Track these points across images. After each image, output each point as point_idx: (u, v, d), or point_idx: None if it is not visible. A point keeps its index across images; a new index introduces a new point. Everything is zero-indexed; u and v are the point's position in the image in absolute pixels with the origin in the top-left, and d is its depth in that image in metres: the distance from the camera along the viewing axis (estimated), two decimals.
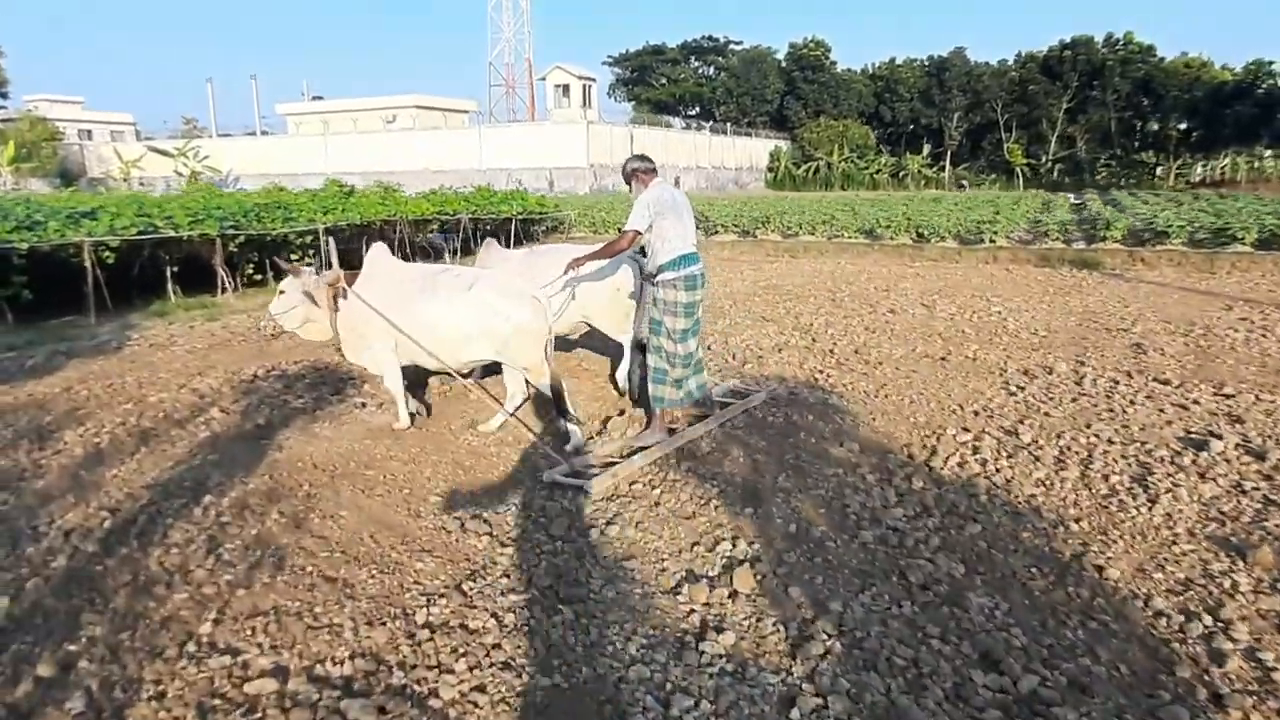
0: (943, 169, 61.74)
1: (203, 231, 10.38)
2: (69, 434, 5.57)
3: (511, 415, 5.43)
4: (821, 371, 7.05)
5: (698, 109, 70.34)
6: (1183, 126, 55.21)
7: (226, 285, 11.23)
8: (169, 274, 10.65)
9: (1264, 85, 44.36)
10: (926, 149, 61.89)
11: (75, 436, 5.52)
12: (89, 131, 59.24)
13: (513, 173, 44.94)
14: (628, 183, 5.09)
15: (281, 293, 5.49)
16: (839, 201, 24.05)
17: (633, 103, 72.24)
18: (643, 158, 5.09)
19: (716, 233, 18.59)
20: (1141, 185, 49.44)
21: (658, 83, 72.57)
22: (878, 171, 60.23)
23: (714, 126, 58.94)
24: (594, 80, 49.93)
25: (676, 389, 5.15)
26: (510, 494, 4.48)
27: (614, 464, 4.77)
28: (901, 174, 59.95)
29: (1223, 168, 55.42)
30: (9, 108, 53.12)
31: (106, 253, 9.49)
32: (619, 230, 5.15)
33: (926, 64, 63.74)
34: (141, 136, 58.69)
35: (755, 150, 62.38)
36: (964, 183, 55.12)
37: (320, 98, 56.02)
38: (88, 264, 9.23)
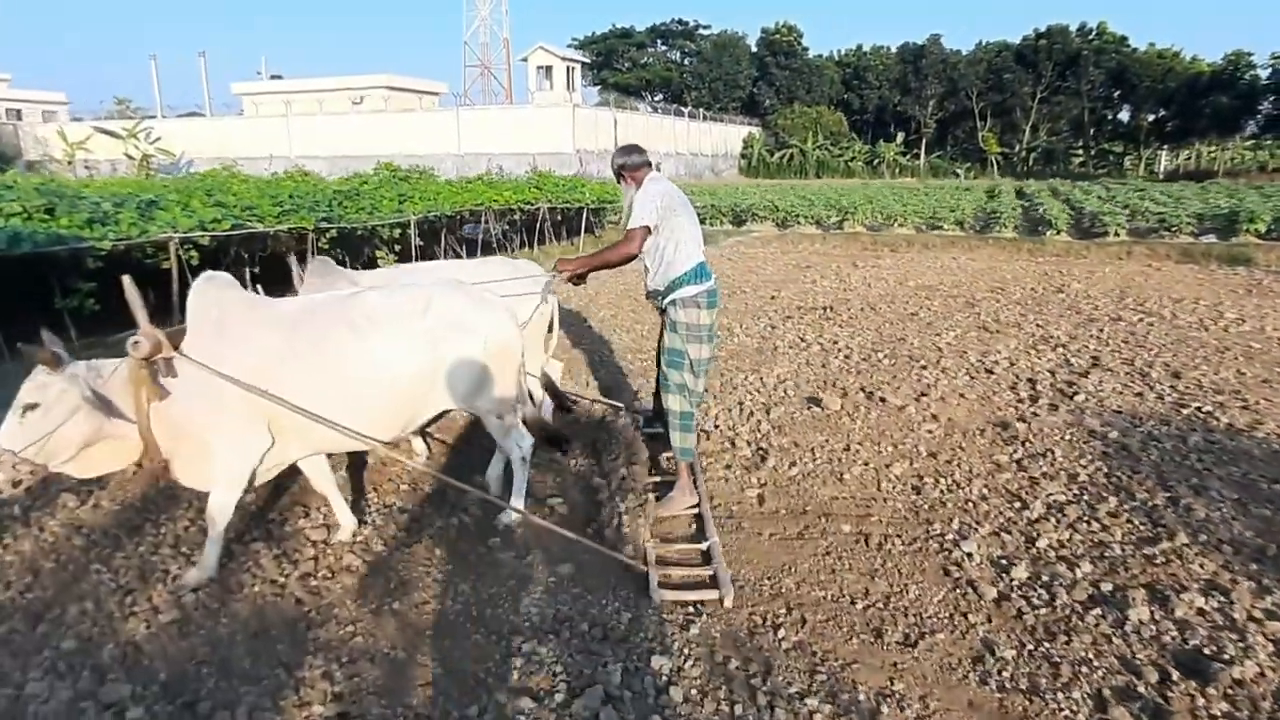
0: (916, 156, 61.43)
1: (296, 225, 8.49)
2: (309, 530, 3.83)
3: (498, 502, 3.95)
4: (1182, 405, 5.66)
5: (662, 95, 68.65)
6: (1152, 117, 55.75)
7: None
8: (249, 275, 8.71)
9: (1245, 76, 44.74)
10: (900, 136, 61.46)
11: (316, 539, 3.78)
12: (18, 111, 54.64)
13: (493, 158, 42.90)
14: (617, 179, 4.09)
15: (29, 408, 2.92)
16: (929, 191, 22.91)
17: (598, 87, 70.21)
18: (631, 150, 4.03)
19: (790, 224, 17.10)
20: (1111, 176, 49.69)
21: (624, 67, 70.62)
22: (852, 159, 59.62)
23: (690, 112, 57.45)
24: (579, 62, 47.90)
25: (695, 432, 4.26)
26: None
27: (697, 550, 3.64)
28: (876, 162, 59.46)
29: (1188, 156, 56.05)
30: None
31: (191, 252, 7.56)
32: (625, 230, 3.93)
33: (898, 51, 63.29)
34: (72, 117, 54.32)
35: (730, 137, 61.10)
36: (958, 171, 54.75)
37: (279, 76, 52.40)
38: (173, 265, 7.30)
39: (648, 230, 3.81)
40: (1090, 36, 56.39)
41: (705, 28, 70.33)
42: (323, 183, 11.76)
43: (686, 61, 70.13)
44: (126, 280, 2.97)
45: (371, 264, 10.48)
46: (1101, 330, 8.09)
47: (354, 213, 9.61)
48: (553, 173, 16.81)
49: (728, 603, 3.19)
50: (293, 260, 4.41)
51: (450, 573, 3.46)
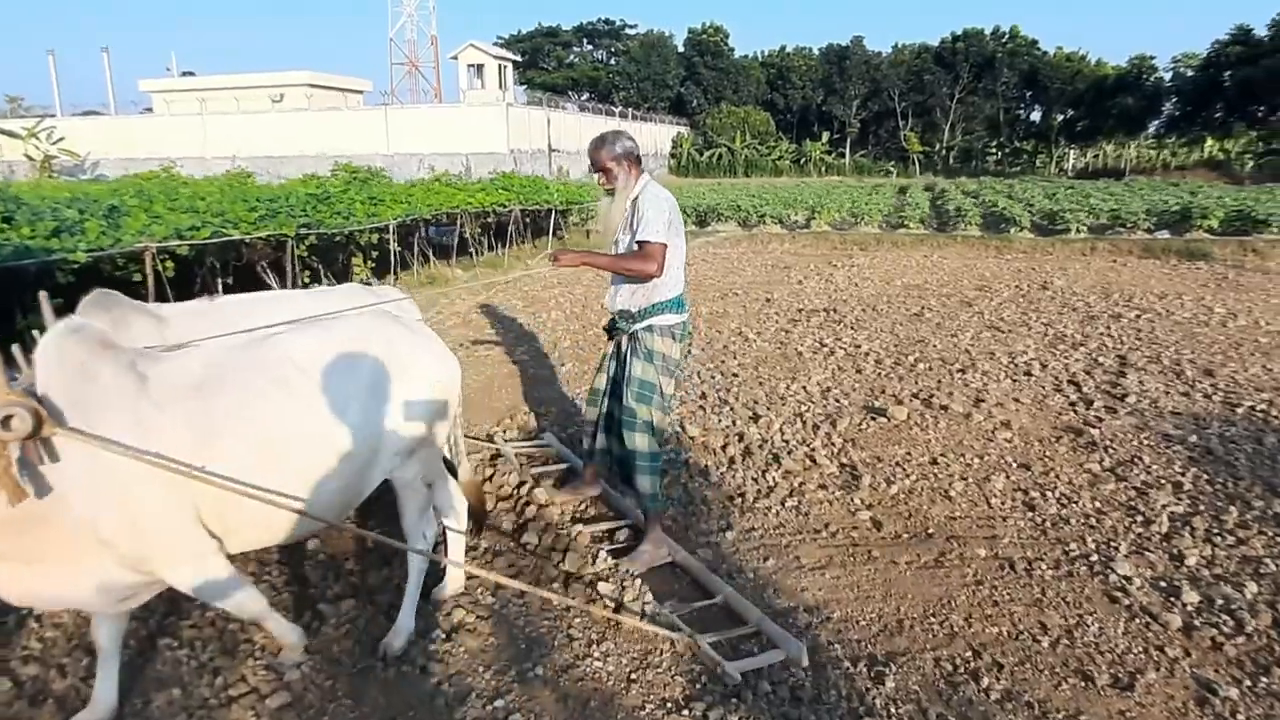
0: (842, 155, 62.67)
1: (276, 232, 7.85)
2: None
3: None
4: (1232, 404, 5.65)
5: (589, 94, 68.22)
6: (1061, 117, 58.17)
7: None
8: (222, 288, 8.03)
9: (1149, 78, 47.04)
10: (825, 136, 62.56)
11: None
12: None
13: (424, 158, 41.94)
14: (602, 169, 3.47)
15: None
16: (877, 189, 23.22)
17: (524, 86, 69.30)
18: (629, 135, 3.54)
19: (753, 224, 16.99)
20: (1024, 173, 51.63)
21: (550, 66, 69.89)
22: (779, 158, 60.45)
23: (620, 112, 57.23)
24: (511, 61, 47.08)
25: (663, 476, 3.77)
26: None
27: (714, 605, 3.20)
28: (803, 160, 60.43)
29: (1095, 155, 58.63)
30: None
31: (167, 262, 6.87)
32: (637, 243, 3.40)
33: (823, 52, 64.43)
34: None
35: (659, 136, 61.14)
36: (890, 169, 56.04)
37: (191, 73, 49.89)
38: (149, 278, 6.60)
39: (665, 248, 3.34)
40: (1004, 40, 58.52)
41: (631, 27, 70.31)
42: (292, 187, 10.96)
43: (613, 61, 69.88)
44: None
45: (345, 274, 9.84)
46: (1109, 328, 8.13)
47: (329, 217, 8.96)
48: (516, 172, 16.27)
49: (804, 660, 2.80)
50: (43, 298, 2.66)
51: (584, 628, 3.06)
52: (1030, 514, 4.01)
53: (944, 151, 60.27)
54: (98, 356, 2.24)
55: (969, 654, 2.91)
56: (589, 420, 3.89)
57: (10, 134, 37.07)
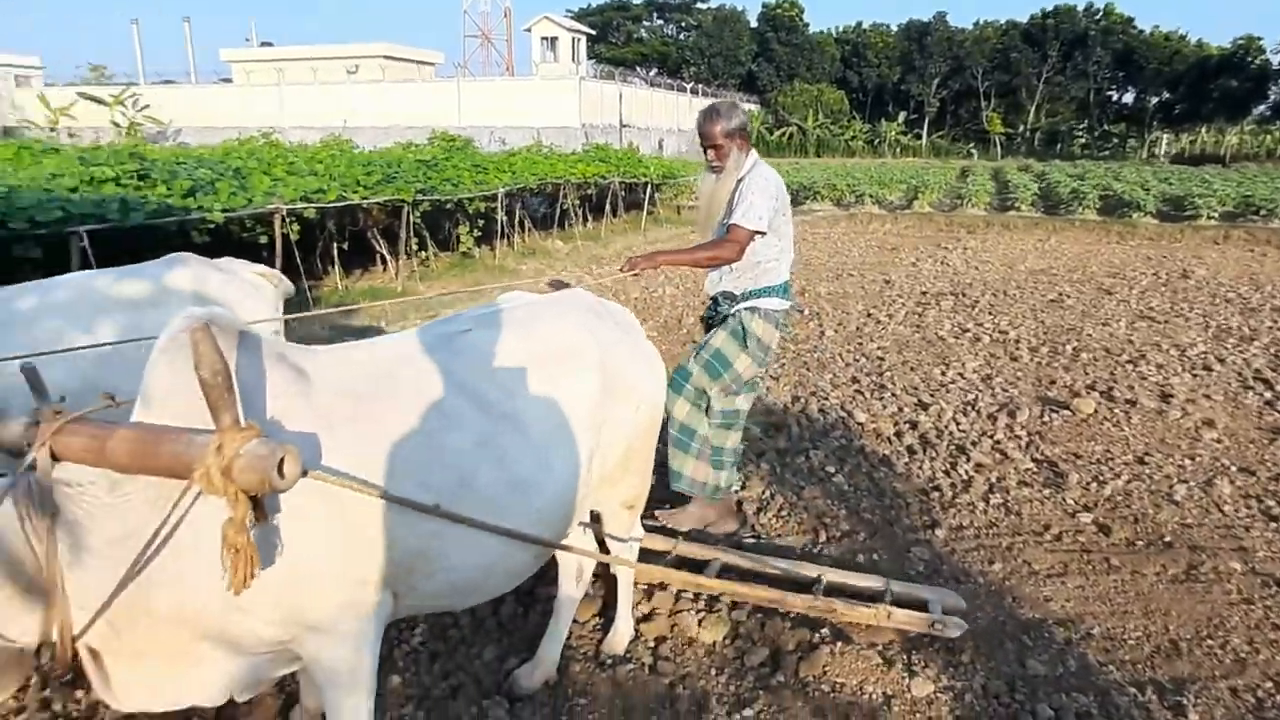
0: (918, 136, 60.89)
1: (393, 197, 7.70)
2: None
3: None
4: None
5: (658, 70, 67.44)
6: (1156, 100, 55.51)
7: (389, 263, 8.60)
8: (338, 254, 7.93)
9: (1255, 60, 44.48)
10: (901, 116, 60.80)
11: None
12: None
13: (496, 131, 41.95)
14: (714, 145, 3.08)
15: None
16: (979, 171, 22.34)
17: (594, 60, 68.89)
18: (740, 109, 3.15)
19: (849, 204, 16.43)
20: (1114, 158, 49.40)
21: (619, 40, 69.27)
22: (853, 138, 59.00)
23: (691, 88, 56.47)
24: (585, 34, 46.76)
25: (736, 472, 3.47)
26: None
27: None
28: (877, 141, 58.87)
29: (1192, 140, 55.69)
30: None
31: (293, 225, 6.76)
32: (725, 226, 3.11)
33: (903, 28, 62.54)
34: (46, 83, 52.07)
35: None
36: (973, 151, 54.43)
37: (270, 44, 50.72)
38: (277, 240, 6.50)
39: (757, 235, 3.02)
40: (1097, 17, 55.93)
41: (704, 1, 69.11)
42: (393, 154, 10.84)
43: (684, 36, 68.92)
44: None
45: (449, 243, 9.66)
46: (1276, 321, 7.51)
47: (440, 184, 8.79)
48: (609, 146, 15.95)
49: (963, 604, 2.78)
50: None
51: (812, 624, 2.77)
52: (1274, 524, 3.58)
53: (1028, 133, 58.07)
54: (248, 356, 1.60)
55: (1269, 685, 2.53)
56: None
57: (98, 100, 38.07)
